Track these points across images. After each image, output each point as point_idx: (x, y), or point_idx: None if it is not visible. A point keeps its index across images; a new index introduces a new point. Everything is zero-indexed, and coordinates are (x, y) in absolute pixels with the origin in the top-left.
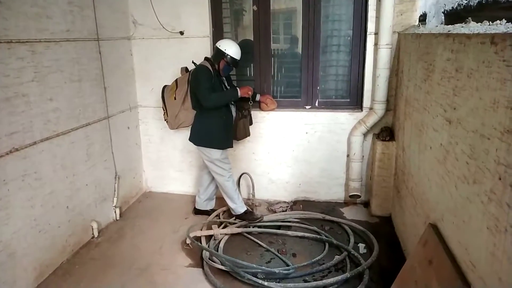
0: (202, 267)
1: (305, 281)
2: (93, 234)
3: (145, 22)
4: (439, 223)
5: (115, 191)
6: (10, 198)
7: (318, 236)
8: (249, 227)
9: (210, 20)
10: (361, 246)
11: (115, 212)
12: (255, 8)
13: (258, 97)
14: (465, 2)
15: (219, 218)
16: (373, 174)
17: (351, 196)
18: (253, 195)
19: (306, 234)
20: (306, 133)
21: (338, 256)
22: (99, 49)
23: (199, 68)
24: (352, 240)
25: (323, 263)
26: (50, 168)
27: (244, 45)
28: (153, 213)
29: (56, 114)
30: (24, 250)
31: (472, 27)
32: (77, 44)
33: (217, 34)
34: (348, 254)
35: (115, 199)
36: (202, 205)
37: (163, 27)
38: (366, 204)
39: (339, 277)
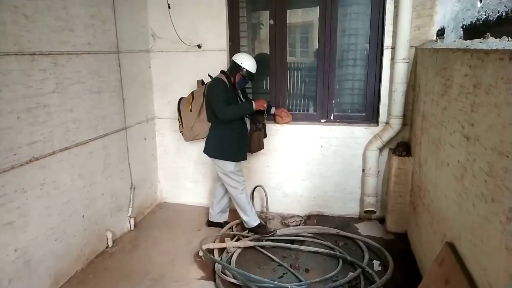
0: (214, 280)
1: None
2: (107, 243)
3: (164, 36)
4: (456, 241)
5: (130, 201)
6: (28, 206)
7: (332, 252)
8: (262, 241)
9: (227, 33)
10: (376, 263)
11: (129, 222)
12: (271, 22)
13: (273, 110)
14: (484, 16)
15: (232, 231)
16: (389, 190)
17: (366, 212)
18: (267, 208)
19: (320, 250)
20: (321, 146)
21: (352, 273)
22: (118, 61)
23: (214, 81)
24: (366, 256)
25: (337, 280)
26: (68, 178)
27: (260, 59)
28: (167, 224)
29: (76, 125)
30: (40, 258)
31: (491, 42)
32: (98, 57)
33: (234, 47)
34: (363, 271)
35: (130, 209)
36: (216, 217)
37: (181, 41)
38: (382, 220)
39: None
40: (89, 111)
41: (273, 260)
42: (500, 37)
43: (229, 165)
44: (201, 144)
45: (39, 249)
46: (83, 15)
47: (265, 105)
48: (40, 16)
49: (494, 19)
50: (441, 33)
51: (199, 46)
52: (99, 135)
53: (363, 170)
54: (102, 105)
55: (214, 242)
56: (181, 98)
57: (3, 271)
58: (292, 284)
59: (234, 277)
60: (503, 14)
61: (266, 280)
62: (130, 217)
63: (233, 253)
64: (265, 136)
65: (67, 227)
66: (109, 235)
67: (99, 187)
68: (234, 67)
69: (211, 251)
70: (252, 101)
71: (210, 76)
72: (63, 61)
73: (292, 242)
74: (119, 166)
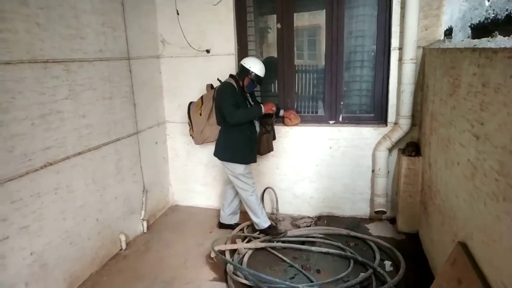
0: (226, 281)
1: None
2: (121, 246)
3: (173, 41)
4: (468, 241)
5: (143, 204)
6: (43, 211)
7: (343, 253)
8: (273, 242)
9: (235, 38)
10: (387, 263)
11: (142, 225)
12: (279, 25)
13: (281, 113)
14: (493, 15)
15: (243, 233)
16: (399, 190)
17: (376, 212)
18: (277, 210)
19: (331, 250)
20: (330, 148)
21: (364, 274)
22: (129, 67)
23: (224, 85)
24: (378, 257)
25: (348, 280)
26: (81, 182)
27: (268, 63)
28: (179, 227)
29: (88, 130)
30: (55, 262)
31: (499, 41)
32: (109, 63)
33: (242, 51)
34: (374, 271)
35: (142, 212)
36: (227, 219)
37: (190, 46)
38: (392, 221)
39: None
40: (101, 116)
41: (284, 261)
42: (509, 36)
43: (239, 168)
44: (211, 147)
45: (54, 253)
46: (94, 23)
47: (274, 108)
48: (52, 24)
49: (503, 17)
50: (449, 32)
51: (207, 51)
52: (112, 139)
53: (373, 171)
54: (114, 111)
55: (225, 243)
56: (191, 102)
57: (19, 274)
58: (304, 284)
59: (245, 278)
60: None
61: (278, 280)
62: (143, 220)
63: (245, 254)
64: (274, 138)
65: (81, 230)
66: (123, 238)
67: (112, 191)
68: (243, 71)
69: (222, 252)
70: (261, 105)
71: (219, 80)
72: (75, 68)
73: (303, 243)
74: (132, 170)
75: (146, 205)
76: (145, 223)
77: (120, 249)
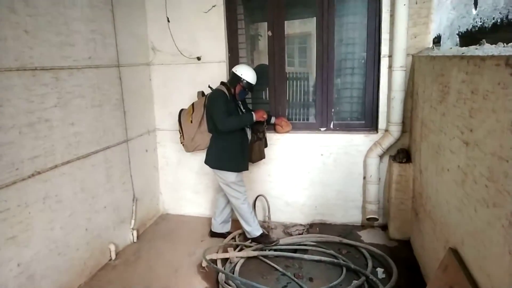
0: None
1: None
2: (110, 256)
3: (164, 49)
4: (459, 247)
5: (133, 213)
6: (31, 221)
7: (335, 260)
8: (265, 250)
9: (227, 45)
10: (380, 270)
11: (132, 234)
12: (270, 33)
13: (273, 120)
14: (480, 23)
15: (235, 241)
16: (390, 197)
17: (368, 219)
18: (269, 218)
19: (323, 258)
20: (322, 155)
21: (356, 281)
22: (119, 74)
23: (215, 92)
24: (370, 264)
25: None
26: (70, 191)
27: (259, 70)
28: (169, 236)
29: (77, 138)
30: (43, 272)
31: (487, 49)
32: (99, 71)
33: (233, 59)
34: (366, 279)
35: (132, 221)
36: (218, 228)
37: (181, 53)
38: (384, 227)
39: None
40: (91, 124)
41: (276, 269)
42: (496, 43)
43: (231, 176)
44: (202, 155)
45: (42, 264)
46: (83, 30)
47: (265, 116)
48: (41, 31)
49: (490, 25)
50: (437, 40)
51: (198, 58)
52: (101, 148)
53: (364, 178)
54: (103, 118)
55: (217, 252)
56: (181, 110)
57: (6, 286)
58: None
59: (237, 287)
60: (498, 20)
61: None
62: (132, 229)
63: (236, 263)
64: (265, 145)
65: (70, 240)
66: (112, 248)
67: (102, 200)
68: (235, 79)
69: (214, 261)
70: (252, 112)
71: (211, 88)
72: (65, 76)
73: (295, 251)
74: (121, 178)
75: (136, 214)
76: (135, 233)
77: (110, 259)
